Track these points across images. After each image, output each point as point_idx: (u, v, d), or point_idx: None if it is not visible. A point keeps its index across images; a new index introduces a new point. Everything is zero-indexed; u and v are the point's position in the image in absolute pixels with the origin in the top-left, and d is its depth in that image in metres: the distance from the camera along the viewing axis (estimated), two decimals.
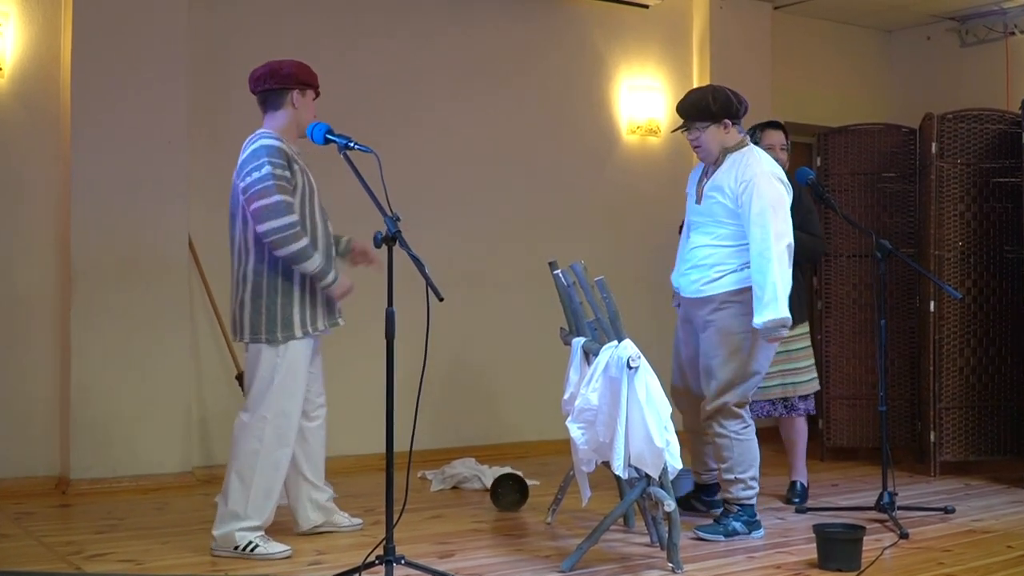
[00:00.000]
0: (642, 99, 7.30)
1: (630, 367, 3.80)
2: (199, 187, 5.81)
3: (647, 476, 3.95)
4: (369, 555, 3.66)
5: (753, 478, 4.50)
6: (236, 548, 4.08)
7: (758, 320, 4.27)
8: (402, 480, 3.71)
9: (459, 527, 4.73)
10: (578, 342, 4.30)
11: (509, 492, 5.12)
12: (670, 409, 3.89)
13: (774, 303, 4.23)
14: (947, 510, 4.95)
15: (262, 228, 4.03)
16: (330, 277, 4.17)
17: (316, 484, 4.47)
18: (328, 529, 4.49)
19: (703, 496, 4.96)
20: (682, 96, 4.63)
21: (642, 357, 3.85)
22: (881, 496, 4.77)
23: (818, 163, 6.62)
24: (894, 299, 6.42)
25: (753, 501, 4.51)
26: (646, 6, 7.35)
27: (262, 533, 4.15)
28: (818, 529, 4.03)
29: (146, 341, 5.54)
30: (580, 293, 4.29)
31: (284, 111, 4.26)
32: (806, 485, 5.34)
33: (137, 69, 5.54)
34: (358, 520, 4.63)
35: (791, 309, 4.31)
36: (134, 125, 5.53)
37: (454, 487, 5.64)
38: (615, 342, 3.93)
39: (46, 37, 5.52)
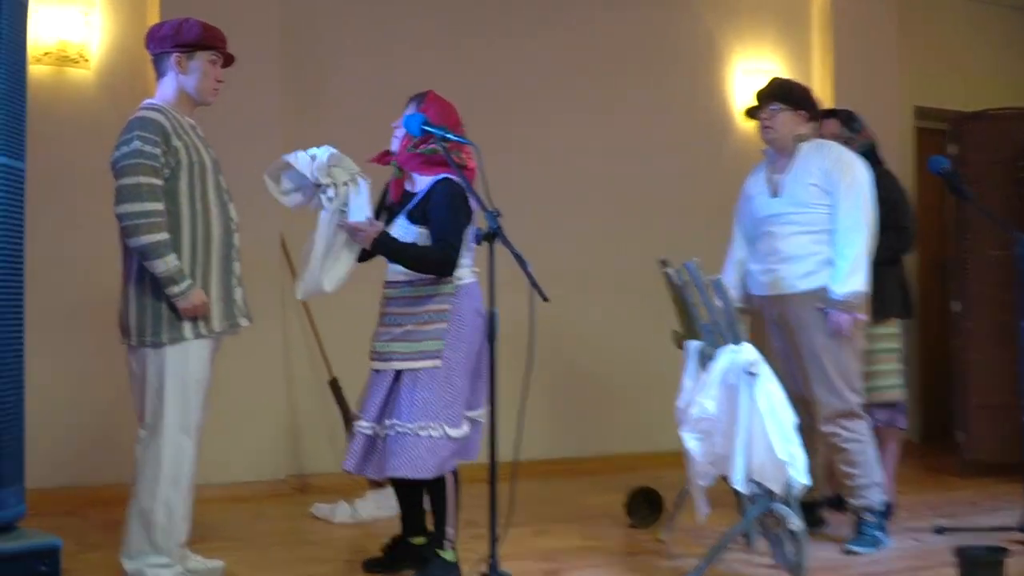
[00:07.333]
0: (758, 84, 7.13)
1: (750, 374, 3.73)
2: None
3: (770, 492, 3.85)
4: (472, 573, 3.64)
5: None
6: None
7: (841, 289, 4.35)
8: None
9: (567, 543, 4.70)
10: (693, 346, 4.22)
11: (641, 507, 5.05)
12: (795, 419, 3.80)
13: (858, 274, 4.34)
14: None
15: (118, 210, 3.70)
16: (182, 286, 3.70)
17: None
18: None
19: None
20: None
21: (763, 363, 3.76)
22: None
23: (952, 151, 6.42)
24: None
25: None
26: None
27: (178, 568, 3.84)
28: (960, 551, 3.89)
29: (238, 343, 5.57)
30: (694, 294, 4.20)
31: (168, 78, 3.90)
32: (890, 503, 5.15)
33: None
34: (218, 562, 4.10)
35: (875, 305, 4.42)
36: (225, 117, 5.57)
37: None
38: (732, 347, 3.85)
39: (133, 27, 5.61)
